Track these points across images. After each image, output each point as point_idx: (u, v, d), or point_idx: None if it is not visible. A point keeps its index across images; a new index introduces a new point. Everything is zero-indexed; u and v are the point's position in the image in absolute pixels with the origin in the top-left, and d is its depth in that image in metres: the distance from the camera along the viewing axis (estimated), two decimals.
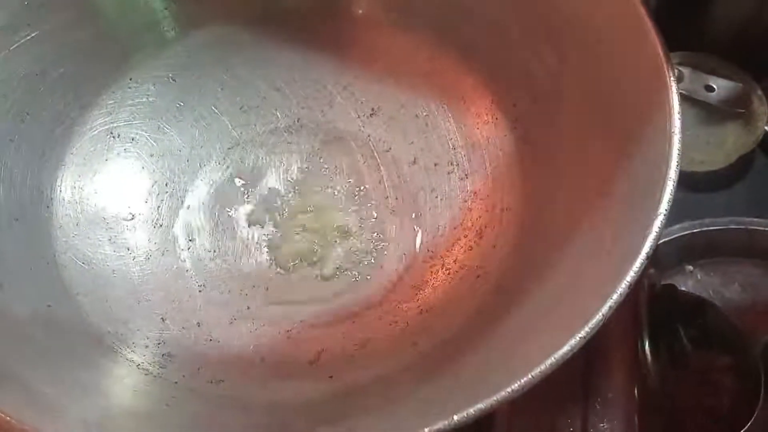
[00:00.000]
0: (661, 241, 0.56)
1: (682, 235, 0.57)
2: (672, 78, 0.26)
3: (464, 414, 0.20)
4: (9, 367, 0.24)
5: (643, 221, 0.24)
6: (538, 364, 0.22)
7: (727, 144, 0.60)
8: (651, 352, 0.38)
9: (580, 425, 0.33)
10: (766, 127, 0.61)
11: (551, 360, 0.22)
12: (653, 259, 0.48)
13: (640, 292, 0.39)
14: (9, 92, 0.32)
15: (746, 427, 0.46)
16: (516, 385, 0.21)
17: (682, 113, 0.67)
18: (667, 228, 0.58)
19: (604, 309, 0.23)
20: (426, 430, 0.19)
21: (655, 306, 0.39)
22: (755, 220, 0.57)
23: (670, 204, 0.23)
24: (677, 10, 0.65)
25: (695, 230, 0.57)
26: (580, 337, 0.22)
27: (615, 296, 0.23)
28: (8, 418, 0.20)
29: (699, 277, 0.57)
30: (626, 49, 0.29)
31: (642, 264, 0.23)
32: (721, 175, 0.61)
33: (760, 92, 0.63)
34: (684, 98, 0.57)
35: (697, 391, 0.50)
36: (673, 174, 0.24)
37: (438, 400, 0.23)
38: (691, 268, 0.57)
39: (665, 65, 0.26)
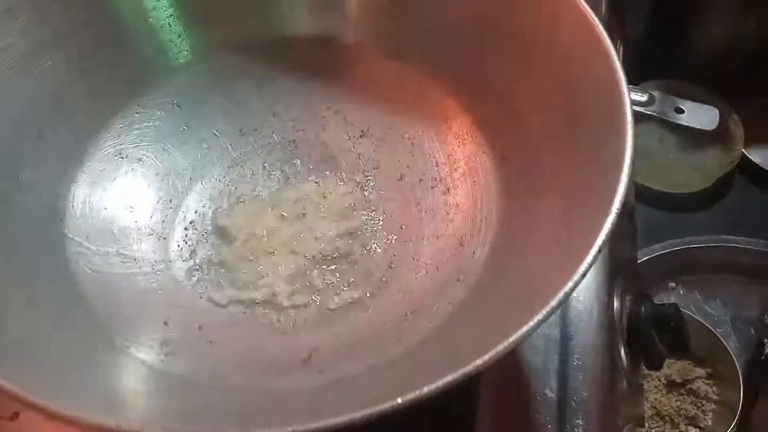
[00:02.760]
0: (644, 259, 0.59)
1: (664, 253, 0.60)
2: (625, 91, 0.29)
3: (435, 386, 0.22)
4: (38, 358, 0.26)
5: (599, 220, 0.26)
6: (508, 337, 0.24)
7: (707, 167, 0.63)
8: (627, 357, 0.40)
9: (556, 421, 0.35)
10: (742, 150, 0.64)
11: (520, 332, 0.24)
12: (633, 274, 0.51)
13: (615, 301, 0.41)
14: (31, 112, 0.35)
15: None
16: (485, 358, 0.24)
17: (663, 138, 0.70)
18: (649, 246, 0.61)
19: (569, 286, 0.25)
20: (399, 400, 0.22)
21: (631, 315, 0.42)
22: (734, 238, 0.60)
23: (621, 205, 0.26)
24: (657, 41, 0.69)
25: (677, 248, 0.60)
26: (544, 313, 0.24)
27: (576, 276, 0.25)
28: (39, 401, 0.23)
29: (681, 293, 0.59)
30: (589, 71, 0.32)
31: (596, 252, 0.26)
32: (702, 195, 0.64)
33: (735, 116, 0.66)
34: (663, 124, 0.60)
35: (678, 401, 0.52)
36: (625, 177, 0.26)
37: (417, 382, 0.25)
38: (673, 284, 0.60)
39: (621, 82, 0.29)
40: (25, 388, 0.24)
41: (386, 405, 0.23)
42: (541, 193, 0.34)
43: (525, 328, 0.24)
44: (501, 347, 0.23)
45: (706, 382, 0.52)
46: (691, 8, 0.62)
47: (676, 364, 0.52)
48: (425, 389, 0.22)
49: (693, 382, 0.52)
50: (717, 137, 0.64)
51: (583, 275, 0.26)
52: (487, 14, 0.37)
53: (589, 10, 0.32)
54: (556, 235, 0.31)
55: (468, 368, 0.23)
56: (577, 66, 0.33)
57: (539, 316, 0.25)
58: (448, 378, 0.22)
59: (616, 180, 0.27)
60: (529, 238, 0.33)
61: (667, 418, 0.51)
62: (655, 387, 0.52)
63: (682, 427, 0.51)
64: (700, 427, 0.51)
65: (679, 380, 0.52)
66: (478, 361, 0.23)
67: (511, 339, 0.24)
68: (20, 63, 0.35)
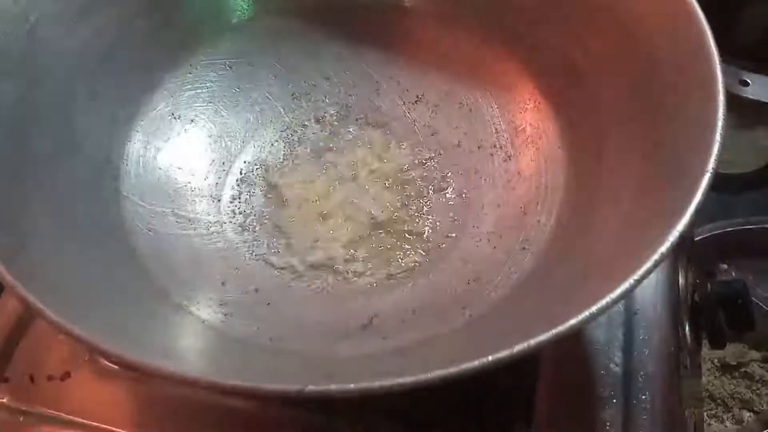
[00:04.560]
0: (695, 239, 0.57)
1: (715, 234, 0.58)
2: (715, 50, 0.27)
3: (499, 355, 0.21)
4: (95, 310, 0.26)
5: (681, 197, 0.25)
6: (576, 315, 0.23)
7: (759, 146, 0.61)
8: (690, 334, 0.38)
9: (622, 396, 0.34)
10: None
11: (598, 306, 0.23)
12: (694, 252, 0.49)
13: (680, 277, 0.40)
14: (85, 70, 0.34)
15: None
16: (551, 333, 0.22)
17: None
18: (699, 227, 0.59)
19: (649, 264, 0.24)
20: (463, 365, 0.21)
21: (696, 291, 0.40)
22: None
23: (716, 163, 0.25)
24: (707, 18, 0.67)
25: (728, 229, 0.58)
26: (620, 292, 0.23)
27: (661, 250, 0.24)
28: (101, 344, 0.22)
29: (733, 274, 0.57)
30: (669, 30, 0.31)
31: (687, 223, 0.24)
32: (753, 176, 0.62)
33: None
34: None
35: (732, 384, 0.51)
36: (718, 137, 0.25)
37: (481, 351, 0.24)
38: (725, 266, 0.58)
39: (709, 40, 0.28)
40: (91, 335, 0.23)
41: (447, 370, 0.22)
42: (612, 163, 0.32)
43: (595, 307, 0.23)
44: (569, 324, 0.22)
45: (762, 365, 0.51)
46: None
47: (730, 347, 0.51)
48: (489, 358, 0.21)
49: (747, 365, 0.51)
50: None
51: (663, 258, 0.24)
52: None
53: None
54: (629, 210, 0.30)
55: (532, 342, 0.21)
56: (655, 32, 0.32)
57: (612, 296, 0.23)
58: (509, 351, 0.21)
59: (703, 162, 0.25)
60: (600, 209, 0.31)
61: (719, 401, 0.49)
62: (708, 369, 0.51)
63: (735, 410, 0.49)
64: (754, 411, 0.49)
65: (733, 363, 0.51)
66: (543, 336, 0.22)
67: (580, 317, 0.22)
68: (73, 19, 0.35)
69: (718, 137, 0.25)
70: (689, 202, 0.24)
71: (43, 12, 0.33)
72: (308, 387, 0.20)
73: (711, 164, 0.24)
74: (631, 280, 0.23)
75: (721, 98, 0.25)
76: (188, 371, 0.22)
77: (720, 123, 0.25)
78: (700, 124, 0.26)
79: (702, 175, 0.24)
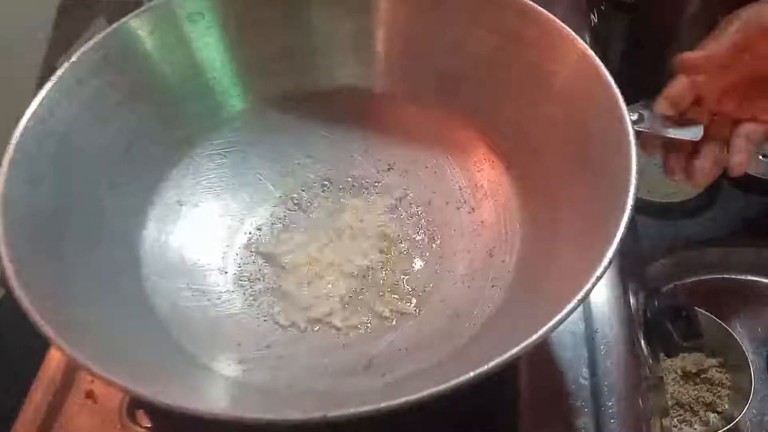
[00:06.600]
0: (649, 263, 0.64)
1: (666, 257, 0.65)
2: (628, 119, 0.34)
3: (484, 368, 0.27)
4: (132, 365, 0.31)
5: (612, 228, 0.31)
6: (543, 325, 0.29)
7: None
8: (647, 346, 0.44)
9: (591, 405, 0.39)
10: None
11: (546, 327, 0.29)
12: (642, 275, 0.55)
13: (631, 298, 0.46)
14: (106, 165, 0.40)
15: (741, 414, 0.52)
16: (517, 348, 0.28)
17: (652, 153, 0.75)
18: (652, 252, 0.65)
19: (589, 285, 0.30)
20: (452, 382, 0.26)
21: (646, 309, 0.46)
22: (729, 240, 0.65)
23: (633, 208, 0.31)
24: (636, 66, 0.75)
25: (678, 251, 0.65)
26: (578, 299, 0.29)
27: (600, 269, 0.30)
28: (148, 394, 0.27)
29: (687, 291, 0.64)
30: (591, 98, 0.37)
31: (615, 249, 0.31)
32: (695, 204, 0.69)
33: None
34: (651, 138, 0.66)
35: (696, 390, 0.56)
36: (633, 183, 0.32)
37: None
38: (677, 284, 0.64)
39: (623, 110, 0.35)
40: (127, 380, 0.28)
41: (437, 388, 0.27)
42: (558, 207, 0.39)
43: (550, 324, 0.29)
44: (529, 341, 0.28)
45: (719, 370, 0.56)
46: (661, 39, 0.68)
47: (690, 356, 0.57)
48: (470, 374, 0.27)
49: (707, 372, 0.56)
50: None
51: (599, 277, 0.30)
52: (497, 57, 0.43)
53: (590, 50, 0.38)
54: (575, 243, 0.36)
55: (504, 357, 0.27)
56: (579, 94, 0.39)
57: (563, 313, 0.29)
58: (485, 367, 0.27)
59: (625, 191, 0.32)
60: (552, 245, 0.38)
61: (687, 407, 0.55)
62: (673, 379, 0.56)
63: (702, 413, 0.55)
64: (718, 412, 0.55)
65: (694, 371, 0.56)
66: (513, 351, 0.27)
67: (539, 333, 0.28)
68: (96, 125, 0.40)
69: (632, 188, 0.32)
70: (607, 251, 0.30)
71: (71, 123, 0.38)
72: (330, 412, 0.25)
73: (626, 215, 0.31)
74: (579, 295, 0.29)
75: (633, 160, 0.32)
76: (225, 409, 0.27)
77: (633, 178, 0.32)
78: (621, 175, 0.33)
79: (617, 225, 0.31)
